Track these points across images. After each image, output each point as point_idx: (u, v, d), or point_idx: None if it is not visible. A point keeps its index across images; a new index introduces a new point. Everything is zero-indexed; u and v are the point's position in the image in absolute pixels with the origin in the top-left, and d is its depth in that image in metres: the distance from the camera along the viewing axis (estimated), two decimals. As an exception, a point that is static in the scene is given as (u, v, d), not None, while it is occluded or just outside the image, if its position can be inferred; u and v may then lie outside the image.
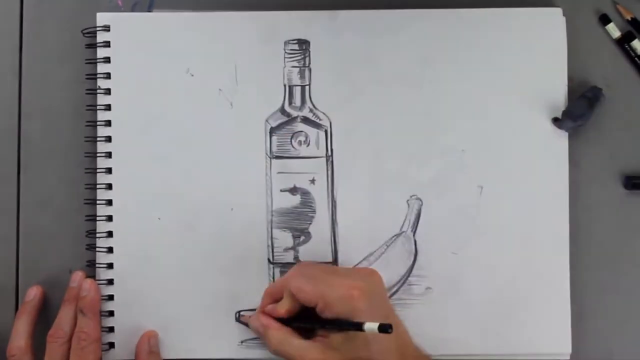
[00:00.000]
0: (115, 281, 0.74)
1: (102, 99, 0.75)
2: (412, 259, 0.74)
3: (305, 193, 0.75)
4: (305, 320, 0.69)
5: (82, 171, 0.75)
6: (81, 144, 0.75)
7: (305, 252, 0.75)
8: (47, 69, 0.76)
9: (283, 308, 0.69)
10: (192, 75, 0.75)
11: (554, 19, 0.75)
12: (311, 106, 0.75)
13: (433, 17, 0.75)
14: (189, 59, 0.75)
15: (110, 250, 0.74)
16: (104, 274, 0.74)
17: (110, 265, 0.74)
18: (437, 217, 0.75)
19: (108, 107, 0.75)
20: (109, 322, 0.74)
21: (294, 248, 0.75)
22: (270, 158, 0.75)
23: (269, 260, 0.75)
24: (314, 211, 0.75)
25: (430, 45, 0.75)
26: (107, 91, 0.75)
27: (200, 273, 0.74)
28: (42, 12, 0.77)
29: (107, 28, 0.76)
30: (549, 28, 0.75)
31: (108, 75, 0.75)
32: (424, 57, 0.75)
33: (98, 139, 0.75)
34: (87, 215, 0.75)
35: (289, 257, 0.75)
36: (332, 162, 0.75)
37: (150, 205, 0.75)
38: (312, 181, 0.75)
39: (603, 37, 0.76)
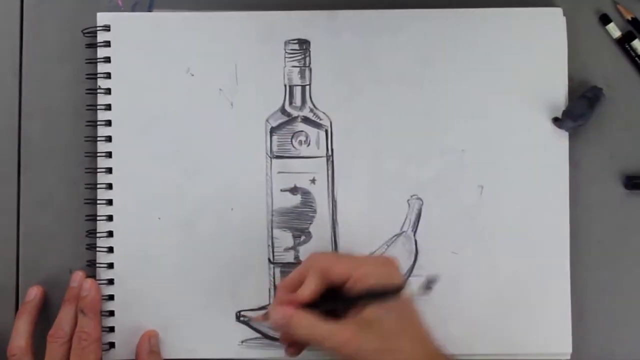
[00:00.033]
0: (115, 281, 0.74)
1: (102, 99, 0.75)
2: (413, 258, 0.75)
3: (305, 193, 0.75)
4: (332, 301, 0.66)
5: (82, 171, 0.75)
6: (81, 143, 0.75)
7: (306, 251, 0.75)
8: (47, 69, 0.76)
9: (307, 291, 0.65)
10: (192, 75, 0.75)
11: (554, 18, 0.75)
12: (311, 106, 0.75)
13: (433, 17, 0.75)
14: (189, 58, 0.75)
15: (110, 250, 0.74)
16: (104, 274, 0.74)
17: (110, 265, 0.74)
18: (438, 217, 0.75)
19: (108, 107, 0.75)
20: (110, 322, 0.74)
21: (294, 248, 0.75)
22: (271, 158, 0.75)
23: (269, 260, 0.75)
24: (314, 211, 0.75)
25: (430, 45, 0.75)
26: (107, 91, 0.75)
27: (201, 273, 0.74)
28: (42, 12, 0.77)
29: (107, 28, 0.76)
30: (549, 28, 0.75)
31: (108, 75, 0.75)
32: (424, 57, 0.75)
33: (98, 138, 0.75)
34: (87, 215, 0.75)
35: (289, 257, 0.75)
36: (332, 161, 0.75)
37: (150, 205, 0.75)
38: (313, 181, 0.75)
39: (603, 37, 0.76)
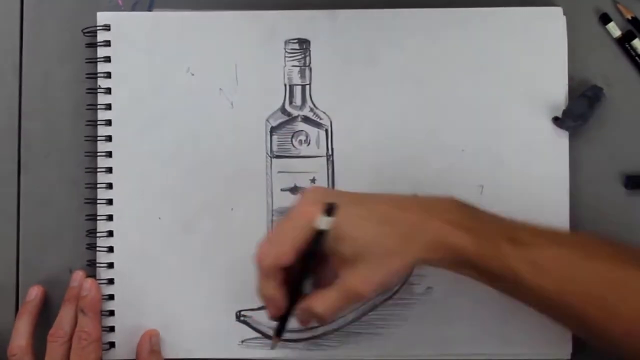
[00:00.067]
0: (115, 280, 0.74)
1: (102, 98, 0.75)
2: (413, 258, 0.74)
3: (305, 193, 0.75)
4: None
5: (82, 171, 0.75)
6: (81, 143, 0.75)
7: (306, 251, 0.75)
8: (47, 69, 0.76)
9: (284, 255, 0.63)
10: (193, 75, 0.75)
11: (554, 18, 0.75)
12: (312, 105, 0.75)
13: (433, 17, 0.75)
14: (189, 58, 0.75)
15: (110, 249, 0.74)
16: (104, 274, 0.74)
17: (110, 265, 0.74)
18: (438, 217, 0.75)
19: (108, 107, 0.75)
20: (110, 321, 0.74)
21: (294, 248, 0.75)
22: (271, 157, 0.75)
23: (269, 260, 0.75)
24: (314, 211, 0.75)
25: (430, 45, 0.75)
26: (108, 90, 0.75)
27: (201, 273, 0.74)
28: (42, 12, 0.76)
29: (107, 27, 0.76)
30: (549, 27, 0.75)
31: (108, 75, 0.75)
32: (424, 56, 0.75)
33: (98, 138, 0.75)
34: (87, 215, 0.75)
35: (289, 257, 0.75)
36: (332, 161, 0.75)
37: (150, 205, 0.75)
38: (313, 180, 0.75)
39: (603, 37, 0.76)
